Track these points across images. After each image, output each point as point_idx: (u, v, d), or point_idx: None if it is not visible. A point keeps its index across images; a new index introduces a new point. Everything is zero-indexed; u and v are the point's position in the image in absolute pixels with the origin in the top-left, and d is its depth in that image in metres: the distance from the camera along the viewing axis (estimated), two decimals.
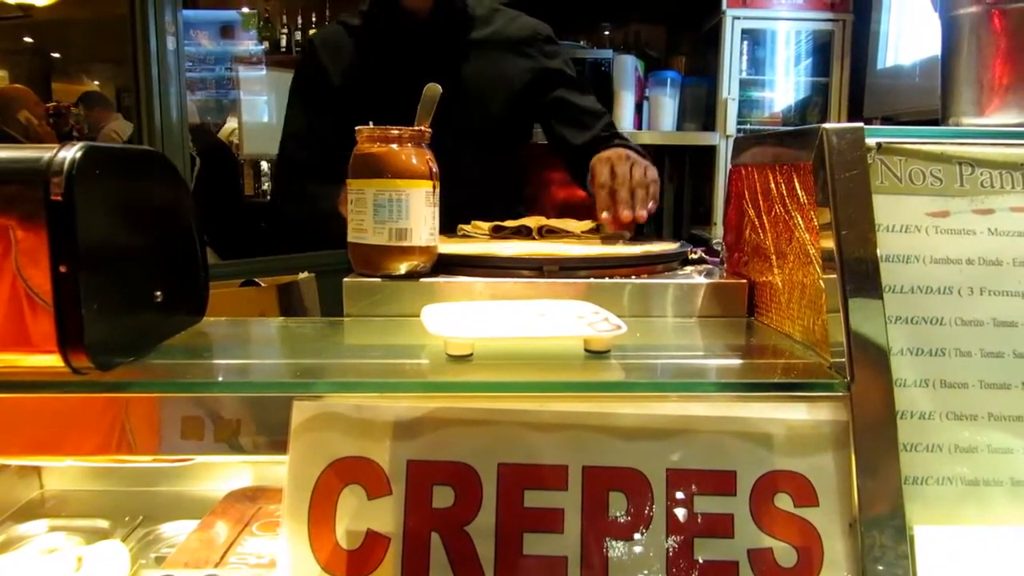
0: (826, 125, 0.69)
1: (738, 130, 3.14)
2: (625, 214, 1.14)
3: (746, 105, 3.21)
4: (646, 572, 0.62)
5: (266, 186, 4.07)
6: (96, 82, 4.64)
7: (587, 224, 1.22)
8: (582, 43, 3.38)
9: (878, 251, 0.67)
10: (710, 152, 3.21)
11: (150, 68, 2.40)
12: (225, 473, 1.07)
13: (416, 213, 0.89)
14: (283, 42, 4.10)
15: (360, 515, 0.63)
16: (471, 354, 0.70)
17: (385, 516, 0.63)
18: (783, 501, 0.63)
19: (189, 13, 3.84)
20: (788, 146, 0.79)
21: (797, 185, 0.77)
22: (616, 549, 0.62)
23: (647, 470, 0.63)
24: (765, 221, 0.87)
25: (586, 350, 0.72)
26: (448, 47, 1.50)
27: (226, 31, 4.20)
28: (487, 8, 1.56)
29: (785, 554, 0.63)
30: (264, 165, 4.04)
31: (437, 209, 0.93)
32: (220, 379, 0.70)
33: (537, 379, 0.68)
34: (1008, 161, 0.71)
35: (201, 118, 4.06)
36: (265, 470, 1.06)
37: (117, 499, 1.05)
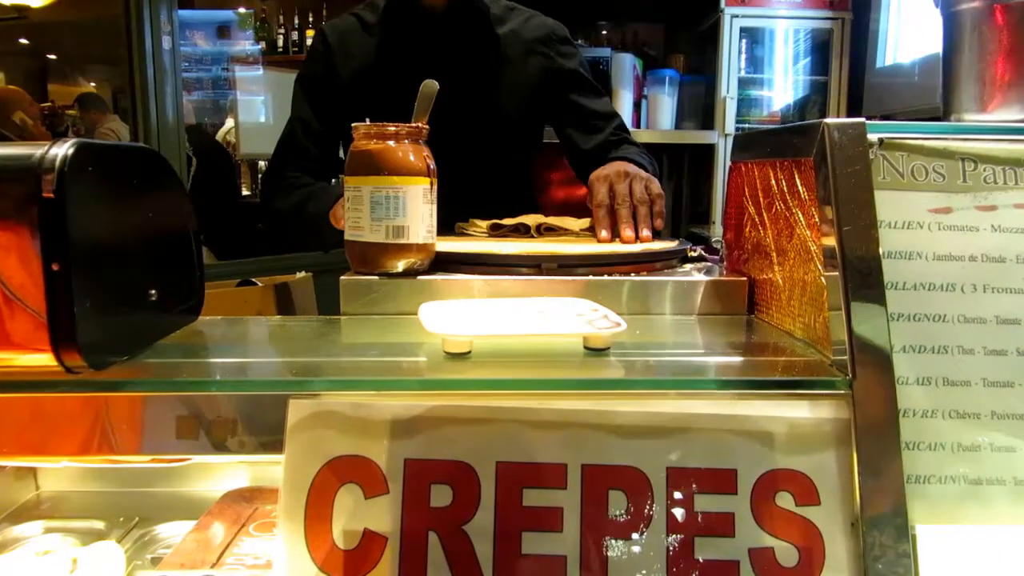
0: (828, 120, 0.69)
1: (737, 129, 3.14)
2: (627, 234, 1.10)
3: (745, 104, 3.21)
4: (646, 572, 0.61)
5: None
6: (92, 83, 4.62)
7: (586, 222, 1.21)
8: (580, 42, 3.38)
9: (880, 248, 0.66)
10: (709, 151, 3.21)
11: (145, 68, 2.40)
12: (222, 474, 1.07)
13: (413, 210, 0.89)
14: (280, 42, 4.10)
15: (357, 514, 0.62)
16: (469, 352, 0.69)
17: (382, 515, 0.62)
18: (784, 500, 0.63)
19: (186, 13, 3.84)
20: (789, 142, 0.78)
21: (798, 181, 0.76)
22: (615, 548, 0.62)
23: (647, 469, 0.63)
24: (765, 218, 0.87)
25: (585, 348, 0.72)
26: (463, 45, 1.49)
27: (223, 31, 4.20)
28: (502, 7, 1.54)
29: (786, 553, 0.62)
30: (261, 165, 4.03)
31: (435, 206, 0.92)
32: (215, 378, 0.69)
33: (536, 377, 0.68)
34: (1012, 157, 0.70)
35: (198, 118, 4.06)
36: (262, 470, 1.06)
37: (113, 500, 1.04)
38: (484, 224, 1.21)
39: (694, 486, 0.63)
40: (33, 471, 1.08)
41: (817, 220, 0.71)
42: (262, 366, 0.78)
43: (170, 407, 0.66)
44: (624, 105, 3.23)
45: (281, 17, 4.11)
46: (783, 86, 3.27)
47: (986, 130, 0.73)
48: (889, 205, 0.69)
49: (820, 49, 3.19)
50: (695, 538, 0.62)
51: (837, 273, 0.66)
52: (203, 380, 0.67)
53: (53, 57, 4.81)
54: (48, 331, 0.60)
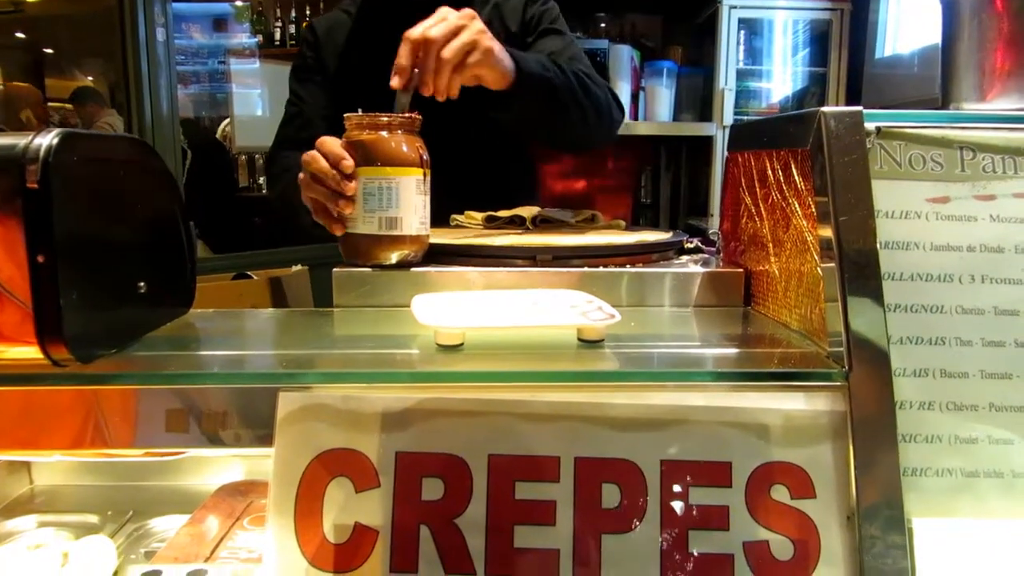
0: (824, 108, 0.68)
1: (735, 121, 3.12)
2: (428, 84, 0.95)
3: (743, 95, 3.19)
4: (639, 565, 0.61)
5: (261, 180, 4.05)
6: (89, 77, 4.60)
7: (582, 214, 1.20)
8: (578, 33, 3.36)
9: (877, 238, 0.65)
10: (707, 143, 3.20)
11: (139, 60, 2.38)
12: (216, 468, 1.06)
13: (406, 201, 0.88)
14: (276, 35, 4.07)
15: (348, 508, 0.62)
16: (462, 344, 0.69)
17: (373, 509, 0.61)
18: (779, 493, 0.62)
19: (182, 6, 3.82)
20: (785, 131, 0.77)
21: (794, 171, 0.75)
22: (609, 542, 0.61)
23: (641, 461, 0.62)
24: (762, 208, 0.86)
25: (579, 339, 0.71)
26: None
27: (219, 24, 4.18)
28: None
29: (781, 547, 0.61)
30: (258, 158, 4.02)
31: (428, 197, 0.91)
32: (204, 370, 0.68)
33: (529, 369, 0.67)
34: (1010, 146, 0.69)
35: (195, 111, 4.04)
36: (256, 464, 1.05)
37: (107, 494, 1.04)
38: (479, 216, 1.20)
39: (688, 479, 0.62)
40: (27, 465, 1.07)
41: (814, 210, 0.70)
42: (253, 359, 0.77)
43: (160, 400, 0.65)
44: (622, 97, 3.21)
45: (278, 10, 4.08)
46: (782, 78, 3.25)
47: (985, 118, 0.72)
48: (886, 195, 0.68)
49: (819, 40, 3.17)
50: (689, 531, 0.61)
51: (834, 264, 0.65)
52: (192, 373, 0.67)
53: (50, 51, 4.78)
54: (34, 323, 0.59)
